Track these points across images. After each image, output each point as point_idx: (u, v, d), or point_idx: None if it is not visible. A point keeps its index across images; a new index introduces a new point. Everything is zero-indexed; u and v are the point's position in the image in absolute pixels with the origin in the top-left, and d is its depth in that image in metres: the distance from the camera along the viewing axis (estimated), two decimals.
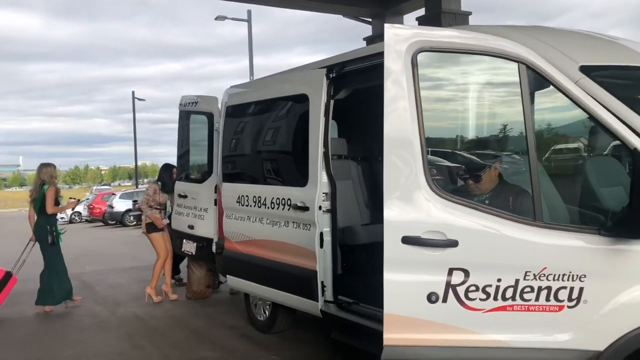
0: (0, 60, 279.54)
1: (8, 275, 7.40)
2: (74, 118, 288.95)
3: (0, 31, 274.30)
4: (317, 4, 12.76)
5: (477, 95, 3.49)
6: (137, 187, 37.72)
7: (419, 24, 11.61)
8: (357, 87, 5.08)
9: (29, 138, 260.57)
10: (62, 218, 31.09)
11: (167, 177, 7.98)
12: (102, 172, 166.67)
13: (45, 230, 7.35)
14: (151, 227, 7.68)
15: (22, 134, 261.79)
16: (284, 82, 5.61)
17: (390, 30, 2.92)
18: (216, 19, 21.38)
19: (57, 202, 7.50)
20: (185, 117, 7.71)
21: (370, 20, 13.42)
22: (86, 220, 29.07)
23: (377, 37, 13.02)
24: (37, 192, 7.45)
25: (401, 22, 12.98)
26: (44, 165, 7.61)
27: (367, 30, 13.68)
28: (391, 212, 2.86)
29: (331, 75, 4.86)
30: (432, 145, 3.27)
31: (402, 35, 2.91)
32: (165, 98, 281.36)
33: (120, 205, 25.04)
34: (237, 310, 6.89)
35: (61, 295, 7.40)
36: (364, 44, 13.75)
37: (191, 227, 7.20)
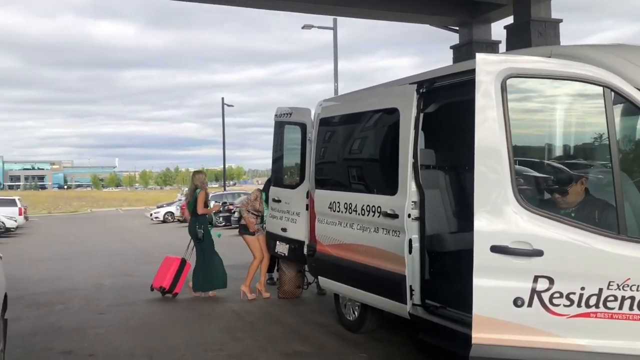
0: (100, 67, 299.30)
1: (183, 262, 8.53)
2: (166, 122, 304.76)
3: (100, 40, 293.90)
4: (404, 15, 13.02)
5: (564, 113, 3.68)
6: (224, 189, 39.45)
7: (507, 33, 11.58)
8: (445, 102, 5.35)
9: (125, 141, 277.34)
10: (155, 218, 33.17)
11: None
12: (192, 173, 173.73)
13: (196, 228, 8.36)
14: (244, 230, 8.29)
15: (118, 137, 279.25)
16: (375, 96, 5.96)
17: (481, 58, 3.20)
18: (303, 28, 22.09)
19: (206, 205, 8.46)
20: (279, 127, 8.23)
21: (457, 28, 13.49)
22: (178, 220, 30.72)
23: (464, 45, 13.09)
24: (191, 195, 8.49)
25: (488, 31, 12.96)
26: (196, 172, 8.81)
27: (453, 36, 13.77)
28: (481, 223, 3.13)
29: (421, 91, 5.15)
30: (520, 156, 3.49)
31: (492, 62, 3.18)
32: (251, 103, 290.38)
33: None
34: (326, 309, 7.30)
35: (212, 284, 8.33)
36: (449, 50, 13.84)
37: (284, 229, 7.70)
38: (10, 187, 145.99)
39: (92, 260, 13.39)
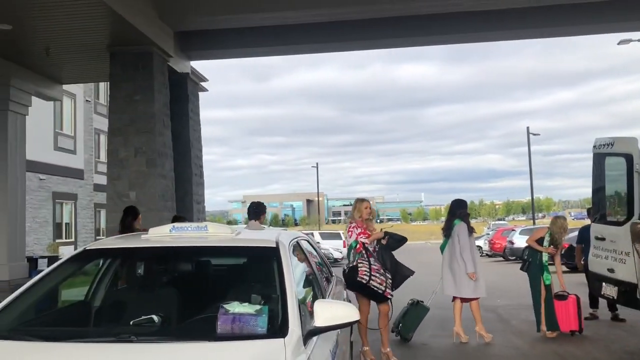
0: (404, 107, 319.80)
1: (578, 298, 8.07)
2: (469, 155, 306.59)
3: (404, 81, 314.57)
4: None
5: None
6: (534, 223, 37.61)
7: None
8: None
9: (430, 176, 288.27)
10: None
11: None
12: (496, 206, 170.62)
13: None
14: None
15: (423, 172, 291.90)
16: None
17: None
18: (619, 43, 20.12)
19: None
20: (599, 159, 7.72)
21: None
22: (487, 255, 30.46)
23: None
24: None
25: None
26: (556, 218, 8.22)
27: None
28: None
29: None
30: None
31: None
32: (558, 128, 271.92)
33: (520, 241, 25.47)
34: None
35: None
36: None
37: (611, 270, 7.12)
38: (333, 222, 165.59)
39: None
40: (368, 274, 6.55)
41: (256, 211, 7.43)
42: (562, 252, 8.07)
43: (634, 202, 6.70)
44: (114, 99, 11.01)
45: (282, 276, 3.42)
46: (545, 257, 7.91)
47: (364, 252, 6.67)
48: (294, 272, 3.57)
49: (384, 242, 6.78)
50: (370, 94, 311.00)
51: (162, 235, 3.96)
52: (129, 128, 10.64)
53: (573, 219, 66.39)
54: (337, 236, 32.12)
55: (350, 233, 6.89)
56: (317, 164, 60.29)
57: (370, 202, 7.14)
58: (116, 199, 10.46)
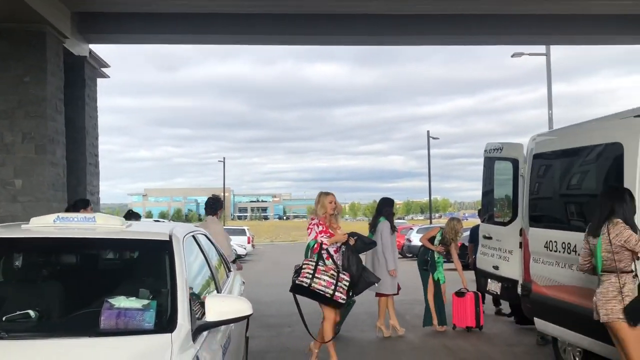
0: (314, 106, 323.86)
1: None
2: (373, 155, 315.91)
3: (315, 80, 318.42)
4: (624, 38, 11.99)
5: None
6: (430, 223, 39.38)
7: None
8: None
9: (336, 174, 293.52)
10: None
11: None
12: (397, 205, 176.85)
13: None
14: None
15: (330, 170, 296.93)
16: (593, 130, 5.68)
17: None
18: (512, 56, 21.41)
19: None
20: (489, 162, 8.19)
21: None
22: None
23: None
24: None
25: None
26: (451, 219, 8.58)
27: None
28: None
29: None
30: None
31: None
32: (456, 134, 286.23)
33: (417, 239, 26.54)
34: (541, 353, 6.96)
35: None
36: None
37: (496, 267, 7.58)
38: (239, 218, 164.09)
39: None
40: (310, 276, 6.01)
41: (213, 206, 7.42)
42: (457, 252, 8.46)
43: (518, 204, 7.16)
44: (1, 79, 10.19)
45: (174, 270, 3.33)
46: (436, 256, 8.28)
47: (322, 253, 6.15)
48: (187, 267, 3.47)
49: (352, 243, 6.37)
50: (281, 90, 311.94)
51: (45, 225, 3.72)
52: (17, 111, 9.88)
53: (466, 219, 70.14)
54: (242, 232, 31.82)
55: (309, 230, 6.36)
56: (224, 158, 59.39)
57: (335, 196, 6.55)
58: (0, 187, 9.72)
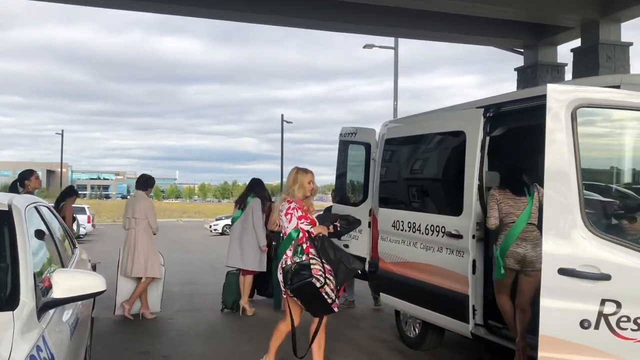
0: (165, 81, 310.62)
1: None
2: (226, 136, 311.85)
3: (165, 55, 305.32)
4: (468, 37, 13.10)
5: (634, 140, 3.76)
6: None
7: (574, 56, 11.47)
8: (511, 126, 5.48)
9: (186, 154, 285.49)
10: (214, 230, 33.98)
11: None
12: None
13: None
14: None
15: (179, 149, 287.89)
16: (441, 119, 6.13)
17: (552, 88, 3.34)
18: (364, 47, 22.40)
19: None
20: (343, 146, 8.49)
21: (522, 50, 13.45)
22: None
23: (528, 67, 13.03)
24: None
25: (554, 53, 12.85)
26: None
27: (517, 57, 13.68)
28: (549, 246, 3.25)
29: (488, 114, 5.30)
30: (589, 181, 3.57)
31: (562, 92, 3.32)
32: (309, 119, 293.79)
33: None
34: (385, 325, 7.44)
35: None
36: (512, 70, 13.79)
37: (346, 246, 7.89)
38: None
39: None
40: (323, 276, 4.77)
41: (146, 182, 8.22)
42: None
43: (369, 186, 7.55)
44: None
45: (15, 243, 3.03)
46: None
47: (308, 244, 4.91)
48: (29, 240, 3.16)
49: (337, 225, 5.40)
50: (128, 62, 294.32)
51: None
52: None
53: (317, 201, 72.41)
54: (82, 211, 29.72)
55: (289, 216, 5.00)
56: (62, 131, 54.54)
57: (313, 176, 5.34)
58: None
